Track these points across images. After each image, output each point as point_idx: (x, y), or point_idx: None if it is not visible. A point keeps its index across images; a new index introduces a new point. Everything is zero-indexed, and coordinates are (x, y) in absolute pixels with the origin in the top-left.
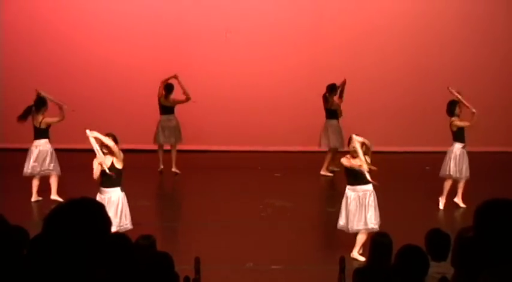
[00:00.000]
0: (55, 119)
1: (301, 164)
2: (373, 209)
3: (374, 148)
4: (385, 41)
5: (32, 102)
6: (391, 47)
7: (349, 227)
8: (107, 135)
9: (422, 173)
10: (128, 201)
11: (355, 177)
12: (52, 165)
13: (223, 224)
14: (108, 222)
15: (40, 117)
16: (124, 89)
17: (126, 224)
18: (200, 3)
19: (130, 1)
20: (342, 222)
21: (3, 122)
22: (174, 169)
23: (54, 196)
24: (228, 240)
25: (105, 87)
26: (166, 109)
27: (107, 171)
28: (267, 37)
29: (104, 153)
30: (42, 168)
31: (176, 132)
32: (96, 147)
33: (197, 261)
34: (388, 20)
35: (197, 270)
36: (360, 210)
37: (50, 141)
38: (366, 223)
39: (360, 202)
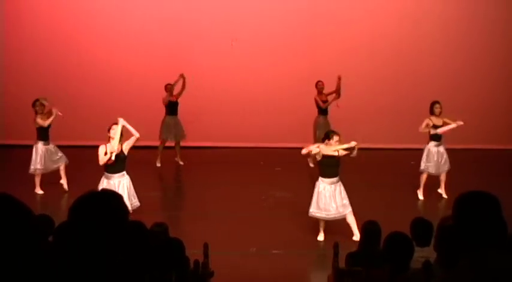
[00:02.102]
0: (41, 122)
1: (299, 159)
2: (345, 193)
3: (364, 145)
4: (376, 50)
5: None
6: (385, 55)
7: (333, 213)
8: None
9: (408, 167)
10: (139, 193)
11: (326, 169)
12: (39, 164)
13: (229, 213)
14: (126, 211)
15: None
16: (132, 91)
17: (136, 202)
18: (208, 13)
19: (138, 7)
20: (312, 209)
21: (6, 118)
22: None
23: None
24: (233, 228)
25: (112, 88)
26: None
27: (113, 158)
28: (270, 44)
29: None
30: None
31: (180, 130)
32: (118, 135)
33: (206, 246)
34: (386, 28)
35: (206, 255)
36: (336, 198)
37: (43, 140)
38: (347, 206)
39: (332, 192)
